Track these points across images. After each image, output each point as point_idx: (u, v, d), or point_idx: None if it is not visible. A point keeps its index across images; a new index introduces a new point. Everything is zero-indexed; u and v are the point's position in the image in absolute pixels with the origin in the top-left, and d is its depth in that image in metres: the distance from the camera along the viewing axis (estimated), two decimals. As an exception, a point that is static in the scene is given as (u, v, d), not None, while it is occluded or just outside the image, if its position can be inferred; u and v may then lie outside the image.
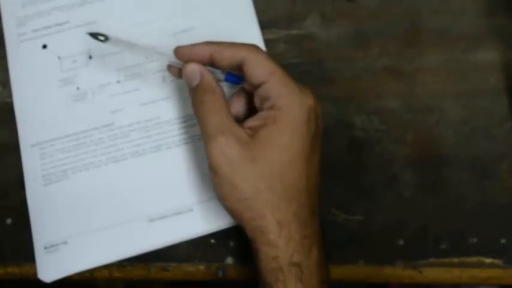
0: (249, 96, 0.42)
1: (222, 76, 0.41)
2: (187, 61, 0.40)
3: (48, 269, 0.44)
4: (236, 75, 0.41)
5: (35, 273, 0.44)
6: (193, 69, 0.40)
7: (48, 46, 0.48)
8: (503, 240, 0.44)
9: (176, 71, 0.42)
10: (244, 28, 0.47)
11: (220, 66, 0.40)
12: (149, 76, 0.47)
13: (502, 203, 0.45)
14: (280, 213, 0.37)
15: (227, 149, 0.37)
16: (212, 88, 0.40)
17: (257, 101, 0.40)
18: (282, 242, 0.37)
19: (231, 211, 0.38)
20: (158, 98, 0.46)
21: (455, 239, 0.44)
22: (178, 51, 0.41)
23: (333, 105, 0.46)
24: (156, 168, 0.45)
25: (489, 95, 0.46)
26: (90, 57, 0.47)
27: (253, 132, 0.38)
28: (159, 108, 0.46)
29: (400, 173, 0.45)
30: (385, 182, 0.45)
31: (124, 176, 0.45)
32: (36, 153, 0.46)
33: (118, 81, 0.47)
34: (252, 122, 0.39)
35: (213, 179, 0.38)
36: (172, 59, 0.41)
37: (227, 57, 0.40)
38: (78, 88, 0.47)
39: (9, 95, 0.47)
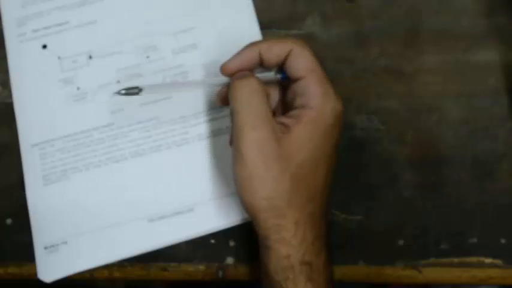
0: (272, 92, 0.41)
1: (277, 76, 0.40)
2: (235, 73, 0.39)
3: (48, 269, 0.44)
4: None
5: (35, 273, 0.44)
6: (245, 72, 0.39)
7: (48, 46, 0.48)
8: (503, 240, 0.44)
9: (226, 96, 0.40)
10: (244, 28, 0.47)
11: (269, 64, 0.40)
12: (149, 76, 0.47)
13: (502, 203, 0.45)
14: (299, 213, 0.37)
15: (264, 142, 0.36)
16: (259, 78, 0.39)
17: (290, 96, 0.40)
18: (296, 241, 0.37)
19: (249, 206, 0.37)
20: (158, 98, 0.46)
21: (455, 239, 0.44)
22: (226, 66, 0.39)
23: (333, 105, 0.46)
24: (156, 168, 0.45)
25: (489, 95, 0.46)
26: (90, 57, 0.47)
27: (286, 129, 0.37)
28: (159, 108, 0.46)
29: (400, 173, 0.45)
30: (385, 182, 0.45)
31: (124, 176, 0.45)
32: (36, 153, 0.46)
33: (118, 81, 0.47)
34: (284, 119, 0.38)
35: (238, 171, 0.37)
36: (218, 80, 0.40)
37: (276, 54, 0.39)
38: (78, 88, 0.47)
39: (9, 95, 0.47)
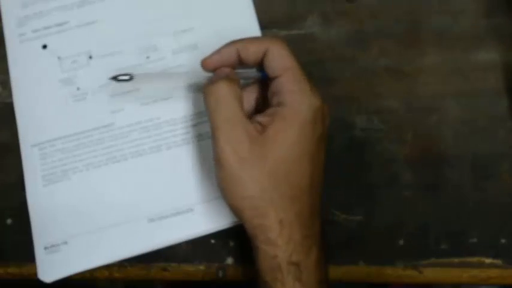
0: (259, 93, 0.41)
1: (258, 74, 0.41)
2: (216, 69, 0.40)
3: (49, 269, 0.44)
4: None
5: (35, 273, 0.44)
6: (223, 71, 0.40)
7: (48, 46, 0.48)
8: (503, 240, 0.44)
9: None
10: (244, 28, 0.47)
11: (248, 62, 0.40)
12: (149, 76, 0.47)
13: (502, 203, 0.45)
14: (283, 212, 0.37)
15: (237, 143, 0.37)
16: (230, 78, 0.39)
17: (270, 95, 0.40)
18: (281, 241, 0.37)
19: (233, 207, 0.38)
20: (158, 98, 0.46)
21: (455, 239, 0.44)
22: (206, 61, 0.40)
23: (333, 105, 0.46)
24: (156, 168, 0.45)
25: (489, 95, 0.46)
26: (90, 57, 0.47)
27: (262, 128, 0.38)
28: (159, 108, 0.46)
29: (400, 173, 0.45)
30: (385, 182, 0.45)
31: (124, 176, 0.45)
32: (36, 154, 0.46)
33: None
34: (261, 117, 0.38)
35: (217, 173, 0.38)
36: (208, 73, 0.41)
37: (253, 52, 0.39)
38: (78, 88, 0.47)
39: (9, 95, 0.47)
